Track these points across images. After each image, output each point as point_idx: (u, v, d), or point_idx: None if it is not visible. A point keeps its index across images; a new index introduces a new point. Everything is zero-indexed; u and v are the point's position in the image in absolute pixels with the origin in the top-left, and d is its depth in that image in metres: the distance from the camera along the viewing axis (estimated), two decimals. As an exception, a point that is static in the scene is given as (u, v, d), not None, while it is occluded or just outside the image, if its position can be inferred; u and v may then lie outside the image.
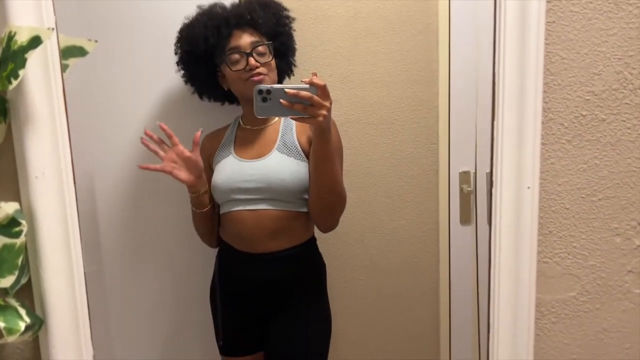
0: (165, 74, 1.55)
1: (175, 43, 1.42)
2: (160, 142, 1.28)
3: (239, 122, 1.46)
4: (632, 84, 0.87)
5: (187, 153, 1.28)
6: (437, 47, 1.72)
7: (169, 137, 1.27)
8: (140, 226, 1.63)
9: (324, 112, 1.12)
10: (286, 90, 1.09)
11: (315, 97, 1.10)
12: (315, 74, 1.12)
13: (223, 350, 1.47)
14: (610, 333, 0.93)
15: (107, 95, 1.56)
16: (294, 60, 1.50)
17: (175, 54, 1.43)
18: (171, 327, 1.71)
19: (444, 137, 1.75)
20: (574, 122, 0.87)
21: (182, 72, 1.45)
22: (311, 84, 1.10)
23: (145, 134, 1.26)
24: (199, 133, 1.27)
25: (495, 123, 0.84)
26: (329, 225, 1.38)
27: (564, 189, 0.88)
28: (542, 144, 0.86)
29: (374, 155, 1.73)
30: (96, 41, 0.81)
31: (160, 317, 1.69)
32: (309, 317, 1.41)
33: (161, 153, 1.28)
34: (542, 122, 0.86)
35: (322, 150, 1.22)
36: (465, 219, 1.76)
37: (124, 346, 1.68)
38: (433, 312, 1.83)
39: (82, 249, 0.79)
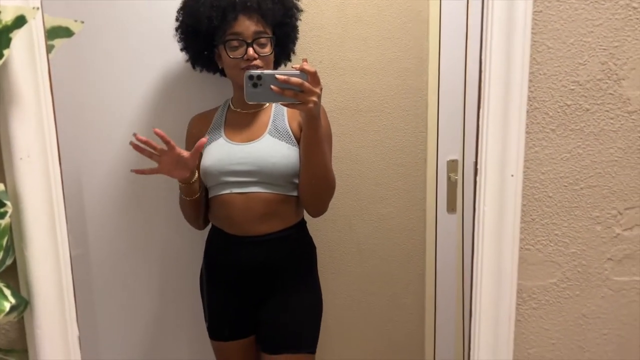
0: (156, 65, 1.55)
1: (178, 10, 1.39)
2: (150, 143, 1.21)
3: (229, 105, 1.45)
4: (616, 74, 0.88)
5: (185, 154, 1.24)
6: (428, 36, 1.72)
7: (166, 142, 1.21)
8: (127, 210, 1.63)
9: (314, 98, 1.12)
10: (277, 76, 1.09)
11: (306, 84, 1.10)
12: (305, 60, 1.12)
13: (214, 335, 1.47)
14: (589, 319, 0.95)
15: (95, 83, 1.55)
16: (293, 49, 1.49)
17: (177, 20, 1.40)
18: (157, 312, 1.72)
19: (432, 125, 1.76)
20: (558, 112, 0.88)
21: (179, 39, 1.42)
22: (302, 70, 1.10)
23: (136, 138, 1.20)
24: (204, 140, 1.22)
25: (480, 111, 0.84)
26: (319, 210, 1.39)
27: (547, 178, 0.90)
28: (527, 132, 0.87)
29: (362, 143, 1.74)
30: (82, 22, 0.81)
31: (146, 301, 1.70)
32: (301, 299, 1.42)
33: (157, 157, 1.23)
34: (527, 111, 0.87)
35: (312, 136, 1.23)
36: (452, 207, 1.78)
37: (109, 329, 1.68)
38: (419, 298, 1.86)
39: (68, 231, 0.79)
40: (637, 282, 0.94)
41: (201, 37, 1.36)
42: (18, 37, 0.70)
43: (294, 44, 1.48)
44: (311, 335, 1.44)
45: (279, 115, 1.38)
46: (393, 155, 1.77)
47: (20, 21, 0.68)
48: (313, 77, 1.11)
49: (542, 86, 0.87)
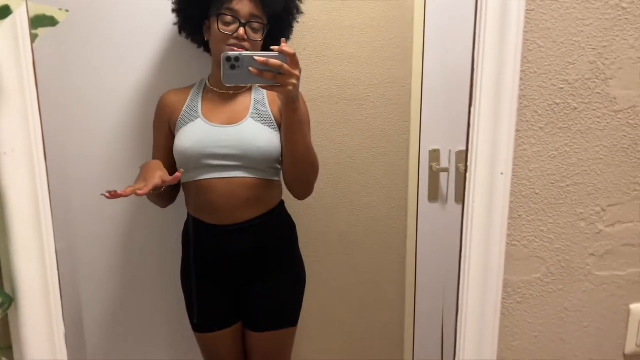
0: (141, 58, 1.54)
1: None
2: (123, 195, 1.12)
3: (206, 84, 1.41)
4: (604, 74, 0.89)
5: (160, 183, 1.18)
6: (412, 25, 1.71)
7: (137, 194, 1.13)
8: (111, 203, 1.60)
9: (293, 80, 1.11)
10: (255, 57, 1.07)
11: (285, 66, 1.08)
12: (284, 41, 1.11)
13: (202, 328, 1.44)
14: (570, 312, 0.97)
15: (81, 77, 1.52)
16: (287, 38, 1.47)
17: None
18: (142, 306, 1.70)
19: (415, 114, 1.77)
20: (547, 110, 0.89)
21: (175, 0, 1.39)
22: (281, 52, 1.08)
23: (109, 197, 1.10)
24: (179, 174, 1.17)
25: (472, 109, 0.85)
26: (305, 192, 1.39)
27: (535, 175, 0.91)
28: (516, 130, 0.88)
29: (345, 131, 1.73)
30: (67, 11, 0.78)
31: (131, 295, 1.68)
32: (284, 278, 1.43)
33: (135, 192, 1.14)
34: (517, 109, 0.87)
35: (292, 119, 1.21)
36: (434, 196, 1.80)
37: (94, 323, 1.66)
38: (399, 286, 1.88)
39: (53, 226, 0.77)
40: (618, 277, 0.97)
41: (196, 3, 1.33)
42: (2, 28, 0.67)
43: (287, 38, 1.46)
44: (294, 310, 1.46)
45: (259, 99, 1.36)
46: (376, 144, 1.77)
47: (4, 12, 0.65)
48: (292, 59, 1.09)
49: (532, 84, 0.87)
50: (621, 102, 0.90)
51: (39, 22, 0.75)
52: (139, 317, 1.70)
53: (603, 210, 0.94)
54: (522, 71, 0.86)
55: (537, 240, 0.94)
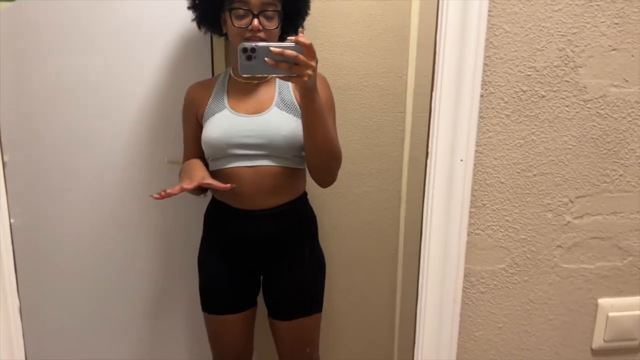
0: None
1: None
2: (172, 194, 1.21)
3: (230, 74, 1.43)
4: (573, 61, 0.87)
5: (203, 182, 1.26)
6: (410, 14, 1.69)
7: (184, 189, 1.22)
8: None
9: (309, 71, 1.10)
10: (271, 48, 1.06)
11: (301, 56, 1.08)
12: (302, 32, 1.11)
13: (212, 309, 1.45)
14: (535, 304, 0.96)
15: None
16: (302, 24, 1.46)
17: None
18: (104, 280, 1.72)
19: (410, 105, 1.75)
20: (514, 97, 0.87)
21: None
22: (297, 42, 1.07)
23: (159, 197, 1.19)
24: (228, 186, 1.28)
25: (433, 93, 0.84)
26: (327, 180, 1.39)
27: (500, 163, 0.89)
28: (481, 117, 0.87)
29: (340, 121, 1.71)
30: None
31: (90, 270, 1.71)
32: (307, 266, 1.45)
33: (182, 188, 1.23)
34: (482, 96, 0.86)
35: (310, 109, 1.21)
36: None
37: (54, 299, 1.68)
38: (392, 277, 1.87)
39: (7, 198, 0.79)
40: (586, 270, 0.95)
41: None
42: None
43: (303, 19, 1.45)
44: (319, 296, 1.49)
45: (284, 87, 1.37)
46: (371, 135, 1.76)
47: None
48: (308, 50, 1.09)
49: (498, 70, 0.86)
50: (591, 91, 0.88)
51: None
52: (99, 292, 1.73)
53: (571, 201, 0.92)
54: (487, 57, 0.85)
55: (502, 230, 0.92)
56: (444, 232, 0.87)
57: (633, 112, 0.89)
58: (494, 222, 0.92)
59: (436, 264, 0.88)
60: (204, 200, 1.49)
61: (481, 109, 0.86)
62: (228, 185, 1.25)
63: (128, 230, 1.68)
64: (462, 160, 0.84)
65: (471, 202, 0.89)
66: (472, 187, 0.89)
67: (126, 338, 1.75)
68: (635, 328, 0.96)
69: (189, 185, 1.21)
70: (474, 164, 0.88)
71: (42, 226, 1.63)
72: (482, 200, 0.90)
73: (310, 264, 1.47)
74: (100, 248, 1.68)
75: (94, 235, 1.67)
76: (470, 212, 0.90)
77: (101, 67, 1.55)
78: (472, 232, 0.91)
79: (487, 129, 0.88)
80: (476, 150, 0.88)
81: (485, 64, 0.85)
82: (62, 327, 1.69)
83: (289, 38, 1.09)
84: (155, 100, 1.62)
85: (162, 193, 1.17)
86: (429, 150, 0.86)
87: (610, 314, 0.95)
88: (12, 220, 0.78)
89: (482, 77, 0.85)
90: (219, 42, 1.60)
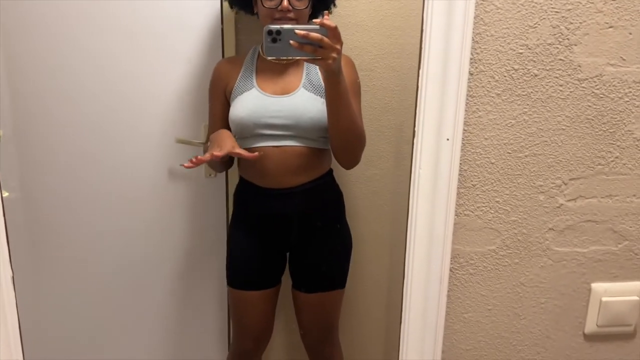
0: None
1: None
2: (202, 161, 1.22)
3: (259, 52, 1.44)
4: (567, 39, 0.84)
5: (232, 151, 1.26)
6: (422, -7, 1.66)
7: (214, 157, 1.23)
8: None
9: (334, 54, 1.09)
10: (296, 31, 1.06)
11: (326, 39, 1.07)
12: (327, 15, 1.10)
13: (238, 284, 1.48)
14: (527, 287, 0.94)
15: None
16: (334, 2, 1.46)
17: None
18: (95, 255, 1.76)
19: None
20: (505, 76, 0.85)
21: None
22: (322, 25, 1.07)
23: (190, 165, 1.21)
24: (255, 155, 1.27)
25: (420, 71, 0.83)
26: (351, 162, 1.40)
27: (490, 144, 0.88)
28: (471, 96, 0.85)
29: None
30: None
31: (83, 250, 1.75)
32: (333, 242, 1.47)
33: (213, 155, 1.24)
34: (472, 74, 0.84)
35: (334, 91, 1.21)
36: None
37: (50, 274, 1.72)
38: (401, 260, 1.86)
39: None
40: (578, 254, 0.93)
41: None
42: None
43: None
44: (343, 273, 1.50)
45: (312, 68, 1.37)
46: (382, 117, 1.74)
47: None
48: (333, 33, 1.08)
49: (488, 48, 0.84)
50: (586, 70, 0.85)
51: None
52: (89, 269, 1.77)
53: (564, 183, 0.90)
54: (477, 34, 0.83)
55: (492, 212, 0.91)
56: (430, 212, 0.86)
57: (630, 92, 0.86)
58: (483, 203, 0.91)
59: (422, 242, 0.88)
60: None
61: (470, 87, 0.85)
62: (256, 154, 1.26)
63: (142, 207, 1.72)
64: (448, 139, 0.83)
65: (460, 182, 0.89)
66: (461, 167, 0.88)
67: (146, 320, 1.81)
68: (630, 313, 0.94)
69: (219, 152, 1.22)
70: (463, 144, 0.87)
71: (60, 203, 1.67)
72: (471, 181, 0.89)
73: (338, 240, 1.49)
74: (118, 231, 1.72)
75: (108, 217, 1.71)
76: (460, 193, 0.89)
77: (109, 58, 1.58)
78: (461, 213, 0.90)
79: (477, 108, 0.86)
80: (465, 130, 0.86)
81: (475, 42, 0.83)
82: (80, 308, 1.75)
83: (314, 21, 1.08)
84: (164, 87, 1.64)
85: (194, 160, 1.18)
86: (416, 129, 0.85)
87: (604, 299, 0.93)
88: (6, 194, 0.81)
89: (472, 55, 0.83)
90: (229, 38, 1.61)
